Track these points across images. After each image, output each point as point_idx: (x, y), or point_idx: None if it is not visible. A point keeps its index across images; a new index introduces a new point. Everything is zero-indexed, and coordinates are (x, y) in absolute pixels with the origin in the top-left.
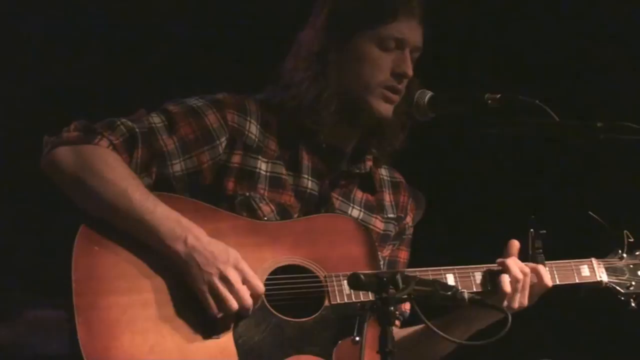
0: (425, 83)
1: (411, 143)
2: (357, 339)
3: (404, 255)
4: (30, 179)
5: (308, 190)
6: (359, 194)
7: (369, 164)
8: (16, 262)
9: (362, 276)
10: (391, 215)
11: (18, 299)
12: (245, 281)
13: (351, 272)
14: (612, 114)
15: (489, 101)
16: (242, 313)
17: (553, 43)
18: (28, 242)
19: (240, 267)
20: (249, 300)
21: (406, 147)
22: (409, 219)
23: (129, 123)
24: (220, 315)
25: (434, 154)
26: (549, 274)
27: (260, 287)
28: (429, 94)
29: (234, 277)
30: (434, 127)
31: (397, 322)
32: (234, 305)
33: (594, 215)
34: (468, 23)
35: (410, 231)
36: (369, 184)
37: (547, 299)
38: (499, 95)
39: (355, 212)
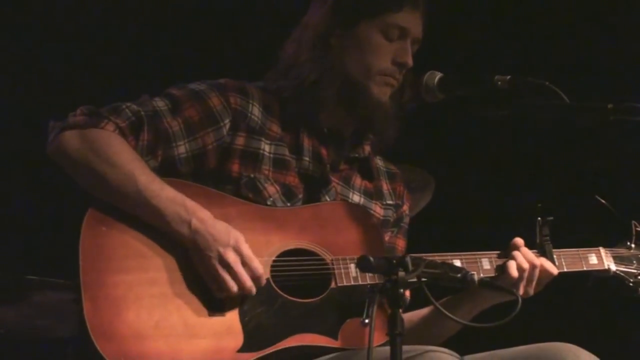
0: (433, 66)
1: (419, 125)
2: (367, 321)
3: (401, 243)
4: (38, 162)
5: (310, 173)
6: (358, 181)
7: (367, 149)
8: (24, 244)
9: (371, 258)
10: (390, 202)
11: (26, 282)
12: (244, 263)
13: (360, 255)
14: (623, 96)
15: (499, 83)
16: (242, 295)
17: (563, 24)
18: (36, 224)
19: (239, 250)
20: (248, 282)
21: (411, 132)
22: (405, 207)
23: (135, 107)
24: (222, 296)
25: (442, 136)
26: (557, 262)
27: (260, 269)
28: (438, 75)
29: (233, 260)
30: (443, 109)
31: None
32: (233, 287)
33: (601, 200)
34: (476, 4)
35: (407, 220)
36: (367, 171)
37: (556, 286)
38: (508, 77)
39: (356, 198)
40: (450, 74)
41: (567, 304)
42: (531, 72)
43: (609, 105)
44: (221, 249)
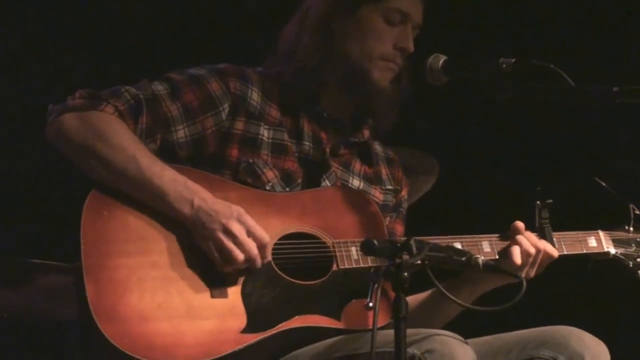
0: (437, 49)
1: (423, 109)
2: (371, 304)
3: (400, 229)
4: (40, 146)
5: (310, 157)
6: (357, 166)
7: (367, 133)
8: (29, 228)
9: (375, 242)
10: (389, 187)
11: (29, 265)
12: (249, 233)
13: (364, 238)
14: (629, 79)
15: (504, 66)
16: (249, 265)
17: (568, 6)
18: (41, 208)
19: (243, 220)
20: (254, 251)
21: (417, 115)
22: (404, 193)
23: (134, 90)
24: (228, 269)
25: (446, 119)
26: (557, 245)
27: (265, 237)
28: (442, 58)
29: (238, 230)
30: (447, 92)
31: None
32: (240, 256)
33: (600, 182)
34: None
35: (405, 205)
36: (366, 156)
37: (558, 270)
38: (513, 60)
39: (356, 182)
40: (455, 57)
41: (570, 288)
42: (536, 55)
43: (614, 88)
44: (224, 221)
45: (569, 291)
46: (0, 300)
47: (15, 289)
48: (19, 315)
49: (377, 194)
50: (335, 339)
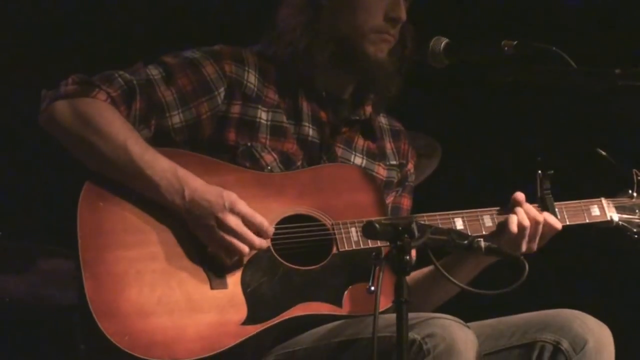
0: (434, 32)
1: (426, 91)
2: (372, 288)
3: (406, 202)
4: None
5: (309, 138)
6: (360, 142)
7: (369, 109)
8: (30, 213)
9: (377, 225)
10: (393, 162)
11: (32, 250)
12: (246, 222)
13: (366, 221)
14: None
15: (505, 48)
16: (245, 262)
17: None
18: (42, 192)
19: (237, 210)
20: (256, 241)
21: (418, 96)
22: (410, 166)
23: (127, 75)
24: (233, 261)
25: (449, 101)
26: (559, 215)
27: (264, 222)
28: (444, 40)
29: (234, 223)
30: (449, 74)
31: None
32: (244, 249)
33: (601, 152)
34: None
35: (412, 178)
36: (369, 131)
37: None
38: (515, 42)
39: (358, 160)
40: (457, 40)
41: (574, 271)
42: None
43: (617, 71)
44: (220, 215)
45: (572, 274)
46: (1, 285)
47: (18, 273)
48: (21, 300)
49: (380, 171)
50: (335, 323)
